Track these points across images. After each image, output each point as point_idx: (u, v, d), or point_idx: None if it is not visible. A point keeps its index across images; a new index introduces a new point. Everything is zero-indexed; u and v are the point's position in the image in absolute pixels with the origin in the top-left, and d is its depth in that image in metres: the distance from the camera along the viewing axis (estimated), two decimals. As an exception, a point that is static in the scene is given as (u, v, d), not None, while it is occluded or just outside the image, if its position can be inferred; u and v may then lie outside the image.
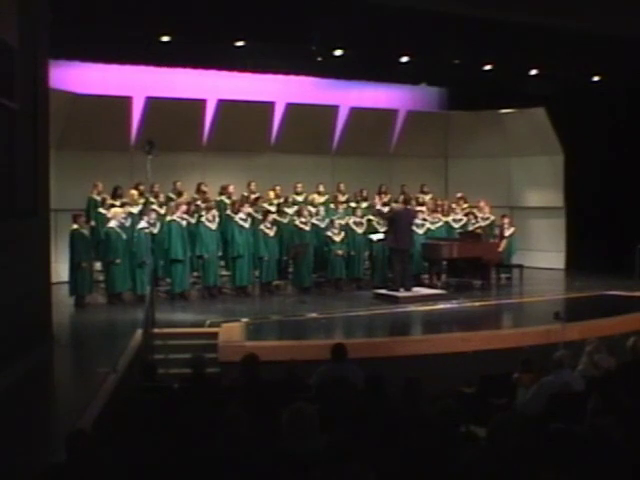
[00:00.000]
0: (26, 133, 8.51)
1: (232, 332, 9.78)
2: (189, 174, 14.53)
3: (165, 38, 12.62)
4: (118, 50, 12.96)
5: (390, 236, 13.11)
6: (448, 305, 12.24)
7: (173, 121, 14.03)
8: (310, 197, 14.74)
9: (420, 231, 14.24)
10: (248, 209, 13.19)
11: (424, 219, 14.55)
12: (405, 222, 13.00)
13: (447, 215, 15.21)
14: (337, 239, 13.54)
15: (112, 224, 12.03)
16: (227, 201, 13.80)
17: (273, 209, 13.93)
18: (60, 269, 12.17)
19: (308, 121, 15.56)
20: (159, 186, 13.31)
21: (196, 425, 4.72)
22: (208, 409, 5.03)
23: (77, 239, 11.78)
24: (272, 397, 5.42)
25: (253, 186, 14.41)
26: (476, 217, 15.24)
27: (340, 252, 13.50)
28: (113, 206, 12.82)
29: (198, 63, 14.28)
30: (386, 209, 14.09)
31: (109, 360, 8.04)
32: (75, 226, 11.83)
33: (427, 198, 15.83)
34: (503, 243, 14.55)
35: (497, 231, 14.90)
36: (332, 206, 14.62)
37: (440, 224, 14.84)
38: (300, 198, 14.71)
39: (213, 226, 12.73)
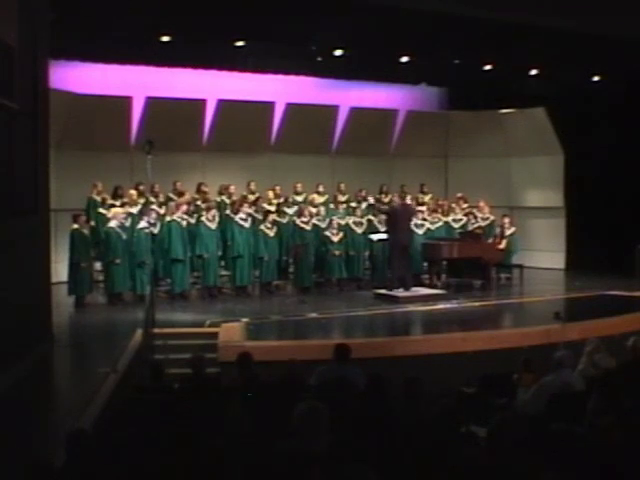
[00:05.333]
0: (26, 133, 8.51)
1: (232, 332, 9.77)
2: (189, 174, 14.53)
3: (165, 38, 12.66)
4: (118, 50, 12.97)
5: (389, 233, 13.13)
6: (448, 305, 12.24)
7: (173, 121, 14.02)
8: (310, 197, 14.73)
9: (420, 231, 14.24)
10: (248, 209, 13.19)
11: (424, 219, 14.55)
12: (403, 218, 13.02)
13: (447, 215, 15.21)
14: (335, 239, 13.54)
15: (112, 224, 12.03)
16: (227, 201, 13.81)
17: (272, 209, 13.93)
18: (60, 269, 12.17)
19: (308, 121, 15.55)
20: (159, 186, 13.32)
21: (196, 425, 4.72)
22: (208, 409, 5.03)
23: (77, 239, 11.78)
24: (272, 397, 5.43)
25: (253, 186, 14.42)
26: (476, 217, 15.24)
27: (337, 252, 13.50)
28: (113, 206, 12.84)
29: (198, 63, 14.28)
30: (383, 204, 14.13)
31: (109, 360, 8.05)
32: (75, 226, 11.84)
33: (427, 198, 15.84)
34: (504, 242, 14.54)
35: (497, 231, 14.87)
36: (332, 206, 14.63)
37: (440, 224, 14.84)
38: (300, 198, 14.71)
39: (213, 225, 12.73)
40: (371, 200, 14.82)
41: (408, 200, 14.72)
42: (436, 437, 4.09)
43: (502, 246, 14.44)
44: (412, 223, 13.82)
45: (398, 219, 12.93)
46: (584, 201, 15.95)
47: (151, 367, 6.75)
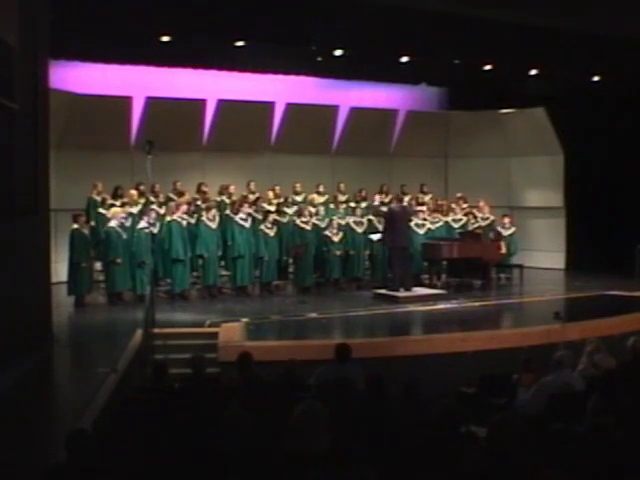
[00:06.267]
0: (26, 133, 8.50)
1: (232, 332, 9.77)
2: (189, 174, 14.53)
3: (165, 38, 12.65)
4: (118, 50, 12.98)
5: (387, 235, 13.12)
6: (448, 305, 12.24)
7: (173, 121, 14.03)
8: (310, 197, 14.74)
9: (420, 231, 14.24)
10: (248, 209, 13.19)
11: (424, 219, 14.55)
12: (402, 220, 13.01)
13: (447, 215, 15.21)
14: (335, 239, 13.54)
15: (112, 224, 12.04)
16: (227, 201, 13.81)
17: (272, 209, 13.93)
18: (60, 269, 12.17)
19: (308, 121, 15.56)
20: (159, 186, 13.31)
21: (196, 425, 4.72)
22: (208, 409, 5.03)
23: (77, 239, 11.78)
24: (272, 397, 5.43)
25: (253, 186, 14.42)
26: (476, 217, 15.24)
27: (338, 252, 13.50)
28: (113, 206, 12.84)
29: (198, 63, 14.29)
30: (384, 208, 14.14)
31: (109, 360, 8.05)
32: (75, 226, 11.84)
33: (427, 198, 15.84)
34: (503, 244, 14.48)
35: (491, 234, 14.70)
36: (332, 206, 14.63)
37: (440, 224, 14.83)
38: (299, 198, 14.72)
39: (213, 225, 12.73)
40: (377, 201, 14.69)
41: (407, 200, 14.73)
42: (437, 437, 4.09)
43: (504, 250, 14.35)
44: (412, 224, 13.82)
45: (396, 221, 12.92)
46: (584, 201, 15.96)
47: (154, 366, 6.75)
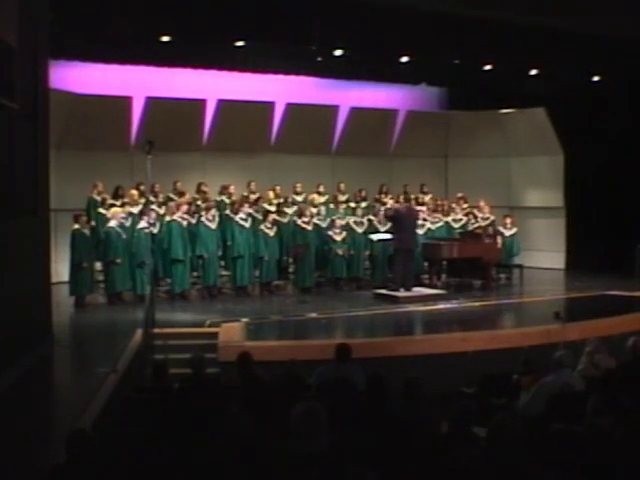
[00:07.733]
0: (26, 133, 8.51)
1: (232, 332, 9.77)
2: (189, 174, 14.53)
3: (165, 38, 12.65)
4: (118, 50, 12.98)
5: (394, 236, 13.10)
6: (448, 305, 12.23)
7: (173, 121, 14.03)
8: (310, 197, 14.73)
9: (420, 231, 14.22)
10: (248, 209, 13.19)
11: (424, 219, 14.54)
12: (408, 222, 12.98)
13: (447, 215, 15.20)
14: (338, 238, 13.54)
15: (112, 224, 12.04)
16: (227, 201, 13.81)
17: (273, 209, 13.93)
18: (60, 269, 12.17)
19: (308, 121, 15.55)
20: (159, 186, 13.32)
21: (196, 425, 4.72)
22: (208, 409, 5.03)
23: (78, 239, 11.78)
24: (272, 397, 5.43)
25: (253, 186, 14.42)
26: (476, 217, 15.24)
27: (340, 251, 13.50)
28: (113, 206, 12.83)
29: (198, 63, 14.29)
30: (389, 205, 14.12)
31: (109, 360, 8.05)
32: (76, 226, 11.84)
33: (427, 198, 15.83)
34: (499, 238, 14.44)
35: (490, 230, 14.67)
36: (332, 206, 14.62)
37: (440, 224, 14.83)
38: (300, 198, 14.71)
39: (213, 225, 12.73)
40: (382, 211, 14.45)
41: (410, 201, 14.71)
42: (439, 437, 4.09)
43: (499, 245, 14.31)
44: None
45: (402, 222, 12.88)
46: (584, 201, 15.95)
47: (154, 366, 6.75)
